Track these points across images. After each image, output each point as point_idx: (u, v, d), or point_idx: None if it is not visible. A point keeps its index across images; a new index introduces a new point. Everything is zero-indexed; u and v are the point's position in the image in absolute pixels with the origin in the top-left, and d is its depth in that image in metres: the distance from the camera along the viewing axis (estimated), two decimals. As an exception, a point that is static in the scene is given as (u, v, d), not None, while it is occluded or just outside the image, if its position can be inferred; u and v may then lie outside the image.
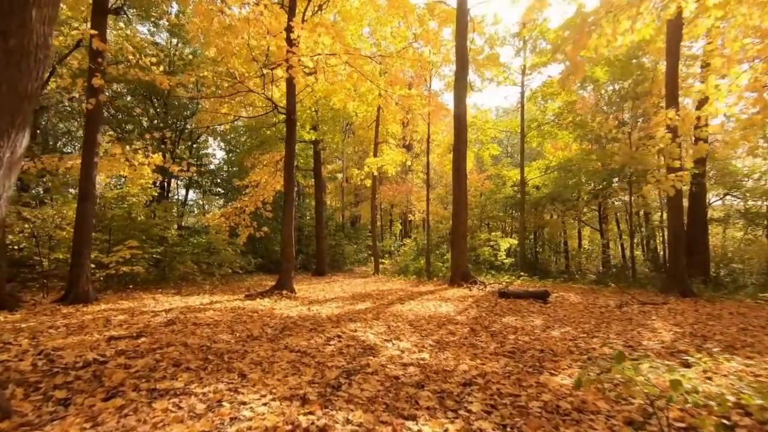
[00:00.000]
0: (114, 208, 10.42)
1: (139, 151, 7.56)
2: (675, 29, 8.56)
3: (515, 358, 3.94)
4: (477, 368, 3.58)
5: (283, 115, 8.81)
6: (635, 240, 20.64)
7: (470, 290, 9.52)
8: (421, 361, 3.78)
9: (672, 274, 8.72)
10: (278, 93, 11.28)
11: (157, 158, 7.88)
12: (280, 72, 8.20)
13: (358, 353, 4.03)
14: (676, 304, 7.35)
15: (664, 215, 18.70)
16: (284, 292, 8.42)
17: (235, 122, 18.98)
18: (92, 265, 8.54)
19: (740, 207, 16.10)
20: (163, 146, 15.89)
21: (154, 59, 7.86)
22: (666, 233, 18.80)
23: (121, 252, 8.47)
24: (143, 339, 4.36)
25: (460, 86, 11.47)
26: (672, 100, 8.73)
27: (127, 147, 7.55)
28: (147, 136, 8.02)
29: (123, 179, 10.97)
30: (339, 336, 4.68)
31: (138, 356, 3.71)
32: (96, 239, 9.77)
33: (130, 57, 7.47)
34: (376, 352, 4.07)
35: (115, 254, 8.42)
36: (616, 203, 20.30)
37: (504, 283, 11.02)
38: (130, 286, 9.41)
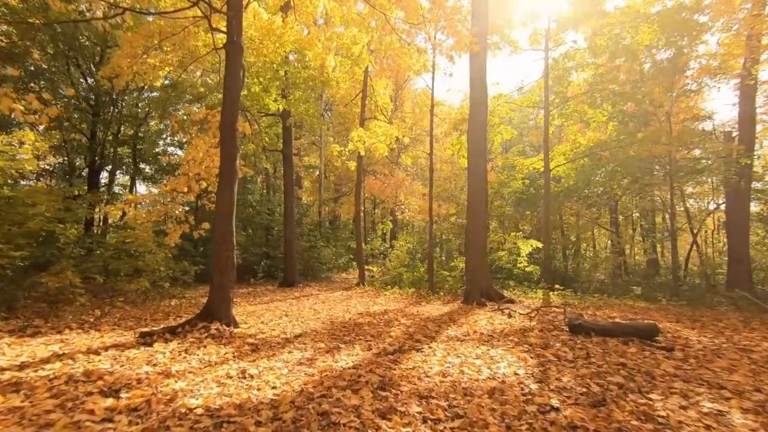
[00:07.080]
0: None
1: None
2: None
3: None
4: None
5: (222, 34, 5.36)
6: (652, 244, 18.37)
7: (509, 316, 6.36)
8: None
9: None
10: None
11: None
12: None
13: None
14: None
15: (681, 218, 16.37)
16: (213, 325, 4.96)
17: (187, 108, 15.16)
18: None
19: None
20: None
21: None
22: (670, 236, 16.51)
23: None
24: None
25: (479, 31, 8.51)
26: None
27: None
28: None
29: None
30: None
31: None
32: None
33: None
34: None
35: None
36: (632, 203, 17.97)
37: (541, 301, 7.98)
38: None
